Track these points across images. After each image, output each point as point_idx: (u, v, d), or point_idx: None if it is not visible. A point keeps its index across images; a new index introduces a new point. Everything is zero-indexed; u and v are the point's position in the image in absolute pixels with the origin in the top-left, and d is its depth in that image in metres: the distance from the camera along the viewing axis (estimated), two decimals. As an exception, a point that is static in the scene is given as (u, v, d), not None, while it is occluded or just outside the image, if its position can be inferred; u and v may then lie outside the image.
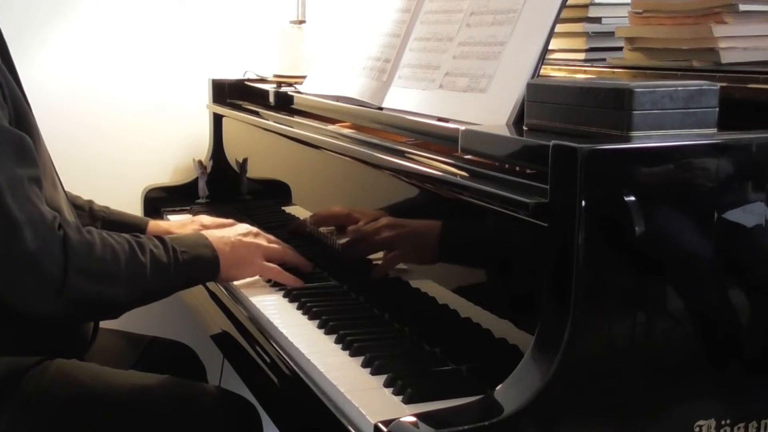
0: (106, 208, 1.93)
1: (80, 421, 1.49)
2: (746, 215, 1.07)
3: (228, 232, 1.65)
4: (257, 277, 1.69)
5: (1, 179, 1.38)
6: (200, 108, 2.40)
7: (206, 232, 1.64)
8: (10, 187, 1.39)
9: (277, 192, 2.01)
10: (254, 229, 1.69)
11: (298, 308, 1.53)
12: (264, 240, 1.67)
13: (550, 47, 1.36)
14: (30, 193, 1.41)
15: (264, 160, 2.16)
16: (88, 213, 1.88)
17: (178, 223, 1.91)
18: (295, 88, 2.03)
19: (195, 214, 2.21)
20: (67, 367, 1.54)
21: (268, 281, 1.67)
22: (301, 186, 1.93)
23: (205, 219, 1.90)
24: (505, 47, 1.39)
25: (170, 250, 1.51)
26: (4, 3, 2.25)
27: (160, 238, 1.53)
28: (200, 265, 1.55)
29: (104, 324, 1.88)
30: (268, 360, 1.43)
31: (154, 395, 1.55)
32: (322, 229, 1.76)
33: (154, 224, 1.91)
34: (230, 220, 1.86)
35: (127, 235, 1.50)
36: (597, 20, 1.73)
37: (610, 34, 1.67)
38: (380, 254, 1.52)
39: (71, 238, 1.41)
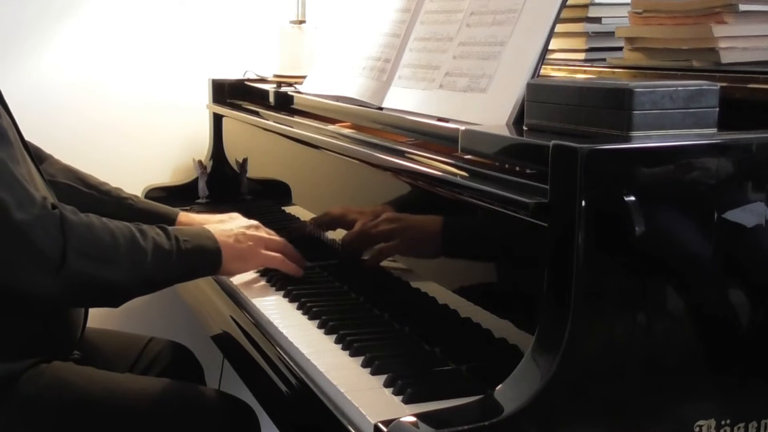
0: (135, 196, 1.90)
1: (76, 426, 1.48)
2: (746, 215, 1.07)
3: (230, 225, 1.63)
4: (257, 277, 1.69)
5: None
6: (200, 108, 2.40)
7: (208, 226, 1.63)
8: None
9: (277, 192, 2.01)
10: (255, 222, 1.68)
11: (298, 308, 1.53)
12: (264, 233, 1.66)
13: (550, 47, 1.36)
14: (14, 172, 1.38)
15: (264, 160, 2.16)
16: (115, 200, 1.85)
17: (216, 219, 1.85)
18: (295, 88, 2.03)
19: (196, 213, 2.21)
20: (63, 371, 1.53)
21: (268, 281, 1.67)
22: (301, 186, 1.93)
23: (241, 220, 1.85)
24: (505, 47, 1.39)
25: (172, 238, 1.49)
26: (15, 4, 2.27)
27: (161, 227, 1.51)
28: (202, 255, 1.53)
29: (102, 324, 1.89)
30: (268, 360, 1.43)
31: (151, 399, 1.54)
32: (322, 230, 1.76)
33: (185, 216, 1.87)
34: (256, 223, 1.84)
35: (128, 223, 1.48)
36: (597, 20, 1.73)
37: (610, 34, 1.67)
38: (380, 254, 1.52)
39: (69, 219, 1.39)
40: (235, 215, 1.86)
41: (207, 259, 1.54)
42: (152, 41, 2.42)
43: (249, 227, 1.64)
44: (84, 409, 1.49)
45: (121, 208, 1.83)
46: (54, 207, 1.40)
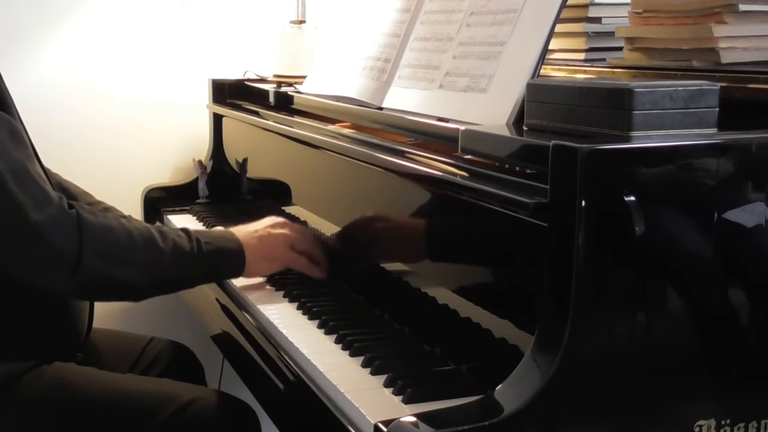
0: (128, 217, 1.87)
1: (76, 427, 1.49)
2: (746, 215, 1.07)
3: (256, 225, 1.63)
4: (257, 277, 1.68)
5: (0, 164, 1.37)
6: (200, 108, 2.40)
7: (233, 228, 1.63)
8: (10, 171, 1.38)
9: (277, 192, 2.01)
10: (281, 220, 1.67)
11: (298, 308, 1.53)
12: (290, 230, 1.65)
13: (550, 47, 1.36)
14: (32, 172, 1.41)
15: (264, 160, 2.16)
16: None
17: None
18: (295, 88, 2.03)
19: (195, 214, 2.21)
20: (63, 371, 1.53)
21: (268, 281, 1.67)
22: (301, 186, 1.93)
23: (268, 218, 1.82)
24: (505, 47, 1.38)
25: (193, 240, 1.51)
26: (15, 4, 2.27)
27: (184, 229, 1.53)
28: (225, 257, 1.54)
29: (102, 324, 1.89)
30: (268, 360, 1.43)
31: (151, 400, 1.54)
32: (322, 230, 1.76)
33: None
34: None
35: (150, 225, 1.51)
36: (597, 20, 1.73)
37: (610, 34, 1.67)
38: (380, 254, 1.52)
39: (86, 219, 1.41)
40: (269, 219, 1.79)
41: (230, 260, 1.55)
42: (152, 41, 2.42)
43: (275, 225, 1.64)
44: (84, 410, 1.50)
45: None
46: (71, 207, 1.42)
